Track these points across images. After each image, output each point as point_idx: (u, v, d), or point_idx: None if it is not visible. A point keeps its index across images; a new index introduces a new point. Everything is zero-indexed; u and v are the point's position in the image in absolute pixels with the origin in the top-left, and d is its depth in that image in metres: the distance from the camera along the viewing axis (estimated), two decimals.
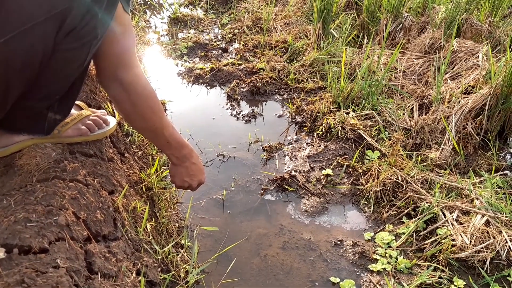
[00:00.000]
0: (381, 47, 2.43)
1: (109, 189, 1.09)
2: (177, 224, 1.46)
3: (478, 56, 2.39)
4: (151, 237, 1.16)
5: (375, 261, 1.44)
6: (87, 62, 0.98)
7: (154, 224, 1.26)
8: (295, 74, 2.61)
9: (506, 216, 1.51)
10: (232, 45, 3.11)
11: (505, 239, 1.42)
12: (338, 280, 1.37)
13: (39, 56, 0.83)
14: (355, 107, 2.19)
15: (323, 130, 2.07)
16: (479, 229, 1.45)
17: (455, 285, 1.32)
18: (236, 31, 3.28)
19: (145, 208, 1.21)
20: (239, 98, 2.45)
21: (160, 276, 1.08)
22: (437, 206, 1.56)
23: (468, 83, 2.21)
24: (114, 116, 1.44)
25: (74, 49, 0.87)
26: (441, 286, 1.32)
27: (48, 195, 0.90)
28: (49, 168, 0.98)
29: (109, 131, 1.24)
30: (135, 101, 1.07)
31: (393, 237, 1.53)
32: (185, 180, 1.30)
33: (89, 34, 0.87)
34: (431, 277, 1.34)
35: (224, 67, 2.70)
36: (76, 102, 1.22)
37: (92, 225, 0.93)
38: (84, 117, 1.20)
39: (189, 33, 3.27)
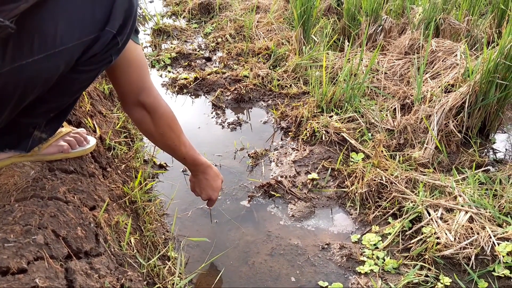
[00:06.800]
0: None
1: (91, 204, 1.09)
2: (163, 236, 1.45)
3: (456, 54, 2.43)
4: (135, 250, 1.16)
5: (363, 263, 1.45)
6: (89, 84, 1.05)
7: (138, 237, 1.26)
8: (278, 80, 2.62)
9: (489, 212, 1.53)
10: (215, 54, 3.13)
11: (489, 234, 1.43)
12: (326, 283, 1.37)
13: (57, 76, 0.89)
14: (338, 110, 2.21)
15: (308, 135, 2.09)
16: (463, 225, 1.47)
17: (441, 283, 1.33)
18: (219, 39, 3.29)
19: (128, 222, 1.20)
20: (224, 106, 2.46)
21: None
22: (422, 205, 1.58)
23: (448, 82, 2.25)
24: (95, 131, 1.44)
25: (89, 71, 0.95)
26: (428, 284, 1.33)
27: (26, 214, 0.90)
28: (27, 187, 0.98)
29: (89, 149, 1.24)
30: (156, 122, 1.19)
31: (380, 238, 1.54)
32: (196, 189, 1.48)
33: (105, 59, 0.95)
34: (418, 276, 1.35)
35: (208, 76, 2.71)
36: None
37: (73, 242, 0.93)
38: (64, 134, 1.20)
39: (172, 43, 3.28)
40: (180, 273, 1.28)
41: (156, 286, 1.12)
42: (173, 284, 1.22)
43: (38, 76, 0.85)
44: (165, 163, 1.90)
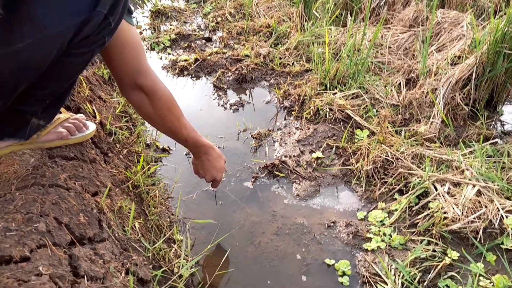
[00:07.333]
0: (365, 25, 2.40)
1: (92, 190, 1.08)
2: (168, 220, 1.45)
3: (462, 25, 2.36)
4: (140, 235, 1.16)
5: (369, 240, 1.44)
6: (84, 68, 1.03)
7: (142, 221, 1.26)
8: (280, 58, 2.58)
9: (497, 185, 1.50)
10: (215, 34, 3.07)
11: (497, 207, 1.41)
12: (333, 261, 1.37)
13: (50, 60, 0.87)
14: (342, 87, 2.17)
15: (311, 113, 2.06)
16: (471, 199, 1.45)
17: (449, 257, 1.32)
18: (219, 19, 3.23)
19: (131, 207, 1.20)
20: (226, 87, 2.42)
21: (152, 273, 1.08)
22: (428, 180, 1.56)
23: (454, 54, 2.19)
24: (95, 116, 1.42)
25: (82, 54, 0.93)
26: (435, 259, 1.32)
27: (27, 202, 0.89)
28: (27, 175, 0.97)
29: (89, 135, 1.23)
30: (155, 105, 1.17)
31: (386, 215, 1.53)
32: (199, 172, 1.47)
33: (98, 41, 0.92)
34: (425, 251, 1.34)
35: (209, 57, 2.67)
36: None
37: (76, 229, 0.93)
38: (63, 120, 1.19)
39: (171, 25, 3.23)
40: (186, 255, 1.28)
41: (162, 269, 1.12)
42: (179, 266, 1.22)
43: (31, 61, 0.83)
44: (168, 147, 1.89)
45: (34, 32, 0.80)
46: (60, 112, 1.21)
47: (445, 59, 2.17)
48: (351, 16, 2.81)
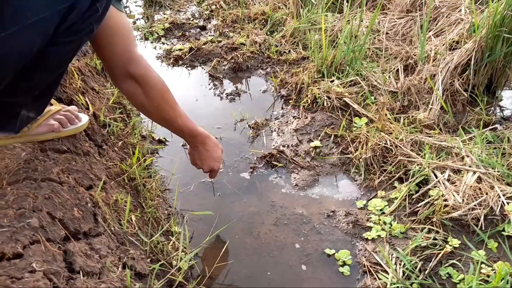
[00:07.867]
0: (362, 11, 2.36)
1: (87, 184, 1.06)
2: (166, 212, 1.43)
3: (461, 10, 2.33)
4: (136, 228, 1.14)
5: (369, 228, 1.43)
6: (72, 57, 1.00)
7: (139, 215, 1.23)
8: (276, 46, 2.54)
9: (498, 171, 1.49)
10: (210, 22, 3.02)
11: (498, 194, 1.40)
12: (333, 251, 1.36)
13: (35, 50, 0.83)
14: (339, 74, 2.14)
15: (309, 102, 2.03)
16: (471, 186, 1.44)
17: (450, 245, 1.31)
18: (213, 7, 3.18)
19: (127, 200, 1.17)
20: (221, 76, 2.38)
21: (150, 266, 1.06)
22: (428, 168, 1.54)
23: (452, 39, 2.16)
24: (88, 108, 1.39)
25: (69, 43, 0.89)
26: (436, 247, 1.31)
27: (19, 197, 0.87)
28: (19, 169, 0.94)
29: (82, 127, 1.20)
30: (148, 94, 1.14)
31: (386, 203, 1.51)
32: (197, 162, 1.43)
33: (85, 28, 0.89)
34: (426, 240, 1.33)
35: (204, 46, 2.62)
36: None
37: (70, 224, 0.90)
38: (54, 112, 1.15)
39: (165, 14, 3.17)
40: (184, 248, 1.26)
41: (160, 262, 1.10)
42: (178, 259, 1.20)
43: (15, 50, 0.80)
44: (164, 138, 1.86)
45: (17, 20, 0.76)
46: (51, 104, 1.18)
47: (444, 44, 2.14)
48: (347, 2, 2.76)
